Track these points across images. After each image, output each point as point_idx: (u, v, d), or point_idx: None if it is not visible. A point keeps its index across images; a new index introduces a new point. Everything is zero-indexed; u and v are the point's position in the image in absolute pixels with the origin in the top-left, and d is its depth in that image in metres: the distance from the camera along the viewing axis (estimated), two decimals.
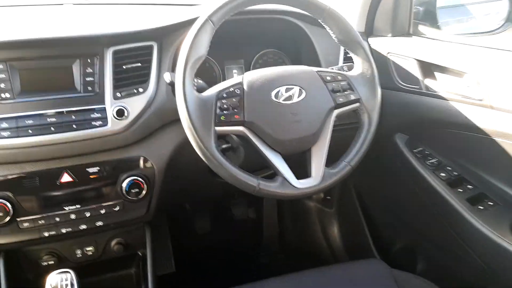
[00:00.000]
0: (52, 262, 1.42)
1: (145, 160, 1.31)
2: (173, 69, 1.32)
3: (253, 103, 1.11)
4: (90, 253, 1.46)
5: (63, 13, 1.66)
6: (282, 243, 2.36)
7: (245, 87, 1.12)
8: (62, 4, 1.80)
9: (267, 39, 1.62)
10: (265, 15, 1.40)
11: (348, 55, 1.30)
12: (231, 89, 1.11)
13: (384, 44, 1.51)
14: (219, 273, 2.10)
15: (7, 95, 1.16)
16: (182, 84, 1.05)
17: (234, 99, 1.10)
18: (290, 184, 1.12)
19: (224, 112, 1.09)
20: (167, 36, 1.33)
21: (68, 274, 1.09)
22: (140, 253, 1.55)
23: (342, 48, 1.49)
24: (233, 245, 2.25)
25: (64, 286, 1.07)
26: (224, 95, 1.10)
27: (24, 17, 1.54)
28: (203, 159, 1.09)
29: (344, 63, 1.48)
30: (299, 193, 1.14)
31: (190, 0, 1.77)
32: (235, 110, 1.10)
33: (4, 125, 1.14)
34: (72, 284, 1.08)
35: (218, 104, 1.09)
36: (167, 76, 1.19)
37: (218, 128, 1.08)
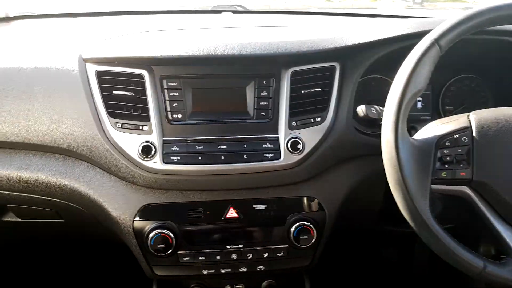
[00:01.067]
0: None
1: (317, 203, 1.12)
2: (357, 99, 1.11)
3: (486, 157, 0.84)
4: None
5: (224, 23, 1.56)
6: None
7: (475, 133, 0.85)
8: (220, 12, 1.72)
9: (463, 62, 1.32)
10: (488, 35, 1.10)
11: None
12: (456, 135, 0.86)
13: None
14: None
15: (179, 115, 1.07)
16: (394, 125, 0.83)
17: (459, 150, 0.85)
18: None
19: (446, 166, 0.84)
20: (352, 57, 1.12)
21: None
22: None
23: None
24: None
25: None
26: (447, 143, 0.85)
27: (185, 26, 1.47)
28: (411, 223, 0.85)
29: None
30: None
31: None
32: (461, 164, 0.84)
33: (175, 148, 1.05)
34: None
35: (438, 154, 0.84)
36: (361, 109, 0.98)
37: (434, 187, 0.84)
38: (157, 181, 1.07)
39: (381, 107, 1.05)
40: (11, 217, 1.25)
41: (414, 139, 0.87)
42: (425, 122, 0.97)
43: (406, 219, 1.25)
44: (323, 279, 1.33)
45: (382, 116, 0.86)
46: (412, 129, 1.05)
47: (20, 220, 1.25)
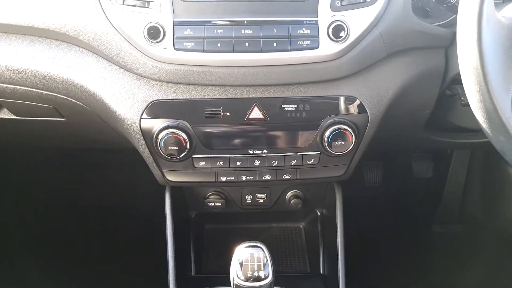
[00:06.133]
0: (219, 204, 1.21)
1: (358, 104, 0.94)
2: None
3: None
4: (261, 201, 1.22)
5: None
6: (463, 214, 1.91)
7: None
8: None
9: None
10: None
11: None
12: None
13: None
14: (384, 235, 1.76)
15: None
16: None
17: None
18: None
19: None
20: None
21: (261, 252, 0.82)
22: (318, 212, 1.27)
23: None
24: (402, 205, 1.87)
25: (255, 268, 0.81)
26: None
27: None
28: (485, 125, 0.67)
29: None
30: None
31: None
32: None
33: (188, 32, 0.86)
34: (264, 265, 0.82)
35: None
36: None
37: None
38: (167, 73, 0.89)
39: None
40: (6, 114, 1.12)
41: (502, 16, 0.66)
42: None
43: (458, 127, 1.07)
44: (353, 191, 1.20)
45: None
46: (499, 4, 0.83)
47: (17, 118, 1.12)
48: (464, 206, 1.90)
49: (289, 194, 1.21)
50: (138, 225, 1.74)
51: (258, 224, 1.40)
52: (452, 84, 1.01)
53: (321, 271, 1.25)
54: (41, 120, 1.11)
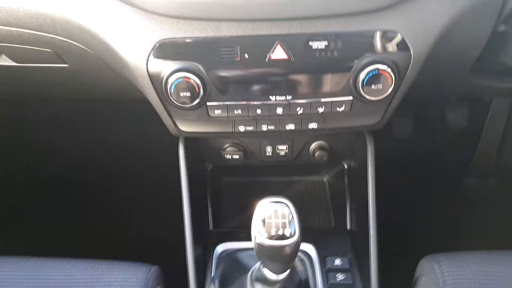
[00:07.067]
0: (237, 157, 1.11)
1: (400, 39, 0.80)
2: None
3: None
4: (282, 153, 1.11)
5: None
6: (498, 166, 1.78)
7: None
8: None
9: None
10: None
11: None
12: None
13: None
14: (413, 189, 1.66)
15: None
16: None
17: None
18: None
19: None
20: None
21: (286, 208, 0.73)
22: (345, 164, 1.16)
23: None
24: (433, 157, 1.75)
25: (280, 225, 0.72)
26: None
27: None
28: None
29: None
30: None
31: None
32: None
33: None
34: (290, 222, 0.72)
35: None
36: None
37: None
38: (177, 5, 0.77)
39: None
40: (5, 61, 1.02)
41: None
42: None
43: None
44: (381, 144, 1.08)
45: None
46: None
47: (17, 65, 1.02)
48: (500, 159, 1.78)
49: (313, 145, 1.10)
50: (152, 179, 1.69)
51: (278, 178, 1.31)
52: (509, 18, 0.86)
53: (348, 227, 1.17)
54: (43, 66, 1.01)
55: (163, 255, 1.12)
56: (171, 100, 0.84)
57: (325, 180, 1.33)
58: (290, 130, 0.91)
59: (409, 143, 1.72)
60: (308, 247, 1.06)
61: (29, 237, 1.69)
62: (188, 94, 0.83)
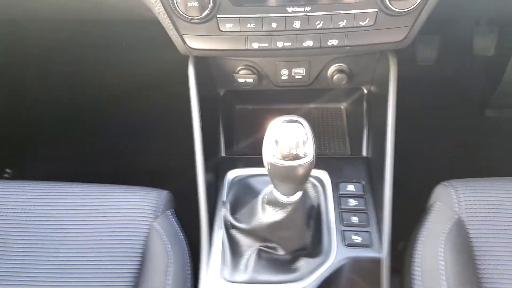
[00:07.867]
0: (251, 81, 1.05)
1: None
2: None
3: None
4: (299, 76, 1.05)
5: None
6: None
7: None
8: None
9: None
10: None
11: None
12: None
13: None
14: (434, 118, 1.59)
15: None
16: None
17: None
18: None
19: None
20: None
21: (300, 127, 0.68)
22: (364, 89, 1.10)
23: None
24: (456, 85, 1.66)
25: (293, 145, 0.67)
26: None
27: None
28: None
29: None
30: None
31: None
32: None
33: None
34: (304, 142, 0.68)
35: None
36: None
37: None
38: None
39: None
40: None
41: None
42: None
43: None
44: (404, 70, 1.00)
45: None
46: None
47: None
48: None
49: (332, 68, 1.03)
50: (162, 104, 1.65)
51: (293, 105, 1.26)
52: None
53: (364, 154, 1.13)
54: None
55: (175, 181, 1.11)
56: (178, 11, 0.77)
57: (342, 107, 1.27)
58: (308, 47, 0.84)
59: (432, 70, 1.62)
60: (321, 173, 1.03)
61: (42, 167, 1.71)
62: (196, 3, 0.76)
